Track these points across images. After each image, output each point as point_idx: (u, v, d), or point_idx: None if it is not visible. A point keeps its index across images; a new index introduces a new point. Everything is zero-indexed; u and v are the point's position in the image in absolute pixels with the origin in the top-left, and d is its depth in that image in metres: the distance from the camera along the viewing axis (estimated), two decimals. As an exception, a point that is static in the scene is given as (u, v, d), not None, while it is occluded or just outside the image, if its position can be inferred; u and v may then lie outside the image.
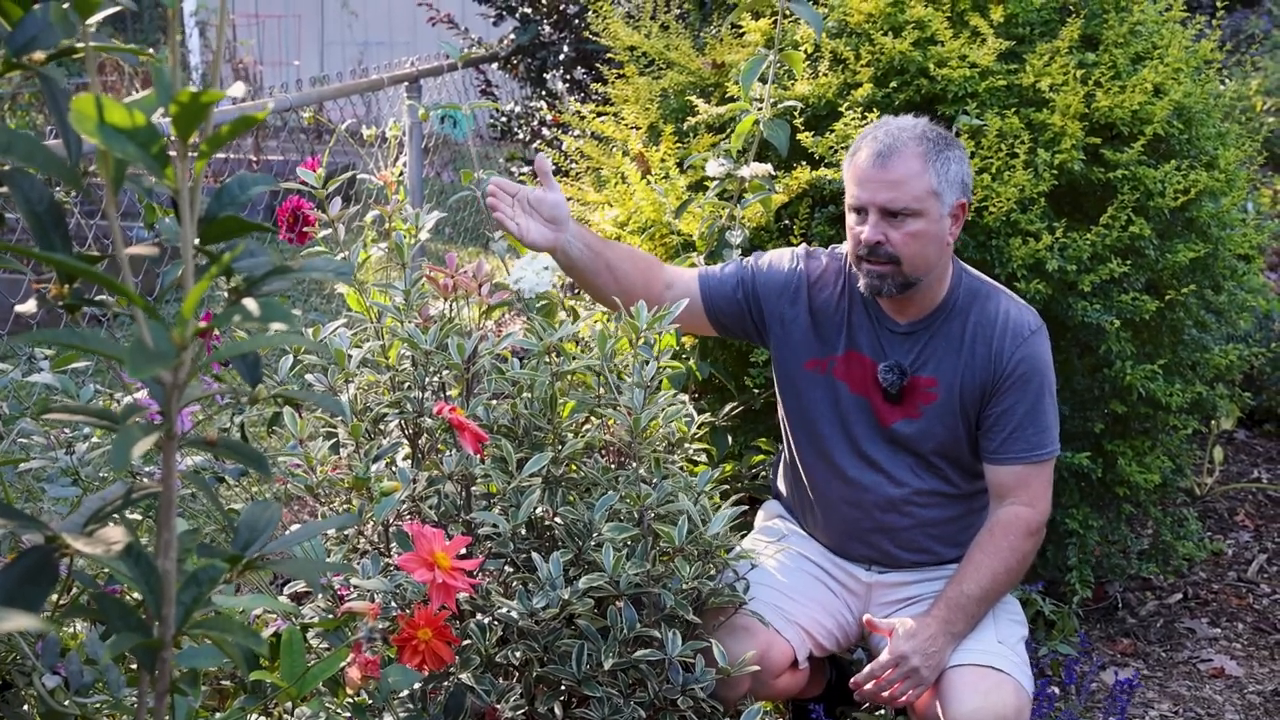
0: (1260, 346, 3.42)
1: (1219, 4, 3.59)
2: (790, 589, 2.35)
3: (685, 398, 2.44)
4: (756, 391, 2.90)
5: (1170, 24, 3.02)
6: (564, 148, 3.46)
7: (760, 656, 2.15)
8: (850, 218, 2.27)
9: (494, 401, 2.24)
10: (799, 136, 2.79)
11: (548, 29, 5.73)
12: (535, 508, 2.08)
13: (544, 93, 5.80)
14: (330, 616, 1.98)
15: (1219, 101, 3.13)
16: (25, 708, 1.69)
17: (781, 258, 2.43)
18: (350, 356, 2.26)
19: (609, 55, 3.43)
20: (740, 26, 3.06)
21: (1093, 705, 2.70)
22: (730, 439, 2.91)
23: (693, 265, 2.70)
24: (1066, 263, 2.69)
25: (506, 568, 2.09)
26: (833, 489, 2.40)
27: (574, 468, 2.22)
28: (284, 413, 2.11)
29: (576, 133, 3.56)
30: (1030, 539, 2.31)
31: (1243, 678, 3.03)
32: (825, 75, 2.90)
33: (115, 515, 1.10)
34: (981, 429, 2.33)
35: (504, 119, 6.09)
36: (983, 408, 2.31)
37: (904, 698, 2.20)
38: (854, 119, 2.75)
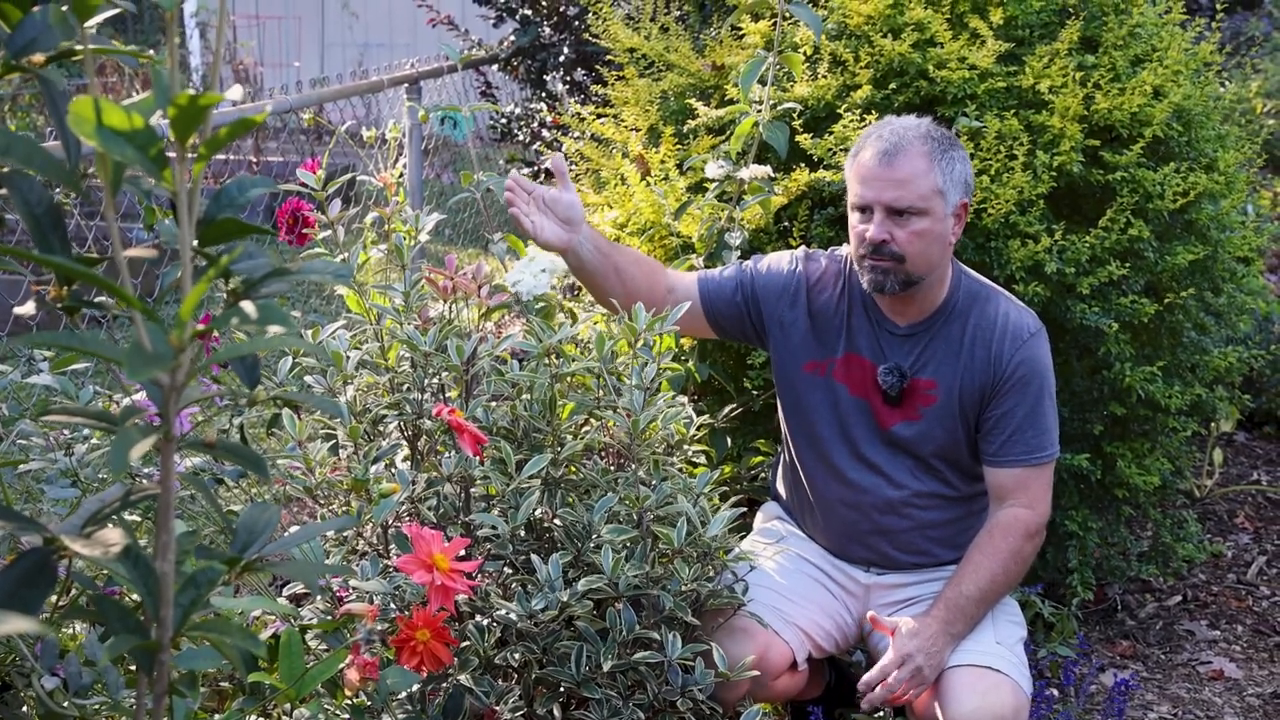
0: (1260, 349, 3.42)
1: (1218, 6, 3.60)
2: (789, 590, 2.35)
3: (684, 400, 2.44)
4: (755, 393, 2.90)
5: (1170, 26, 3.02)
6: (564, 149, 3.45)
7: (759, 658, 2.15)
8: (853, 216, 2.27)
9: (493, 403, 2.24)
10: (798, 138, 2.79)
11: (548, 31, 5.73)
12: (534, 509, 2.08)
13: (544, 94, 5.81)
14: (329, 618, 1.98)
15: (1219, 104, 3.13)
16: (24, 709, 1.69)
17: (780, 260, 2.43)
18: (349, 358, 2.26)
19: (609, 57, 3.43)
20: (740, 29, 3.06)
21: (1091, 707, 2.70)
22: (729, 441, 2.91)
23: (692, 267, 2.71)
24: (1065, 265, 2.69)
25: (505, 569, 2.09)
26: (832, 491, 2.40)
27: (573, 469, 2.22)
28: (283, 415, 2.11)
29: (576, 134, 3.56)
30: (1030, 541, 2.31)
31: (1242, 680, 3.03)
32: (824, 77, 2.90)
33: (114, 517, 1.10)
34: (981, 431, 2.33)
35: (504, 121, 6.09)
36: (982, 410, 2.31)
37: (906, 696, 2.20)
38: (853, 121, 2.75)
